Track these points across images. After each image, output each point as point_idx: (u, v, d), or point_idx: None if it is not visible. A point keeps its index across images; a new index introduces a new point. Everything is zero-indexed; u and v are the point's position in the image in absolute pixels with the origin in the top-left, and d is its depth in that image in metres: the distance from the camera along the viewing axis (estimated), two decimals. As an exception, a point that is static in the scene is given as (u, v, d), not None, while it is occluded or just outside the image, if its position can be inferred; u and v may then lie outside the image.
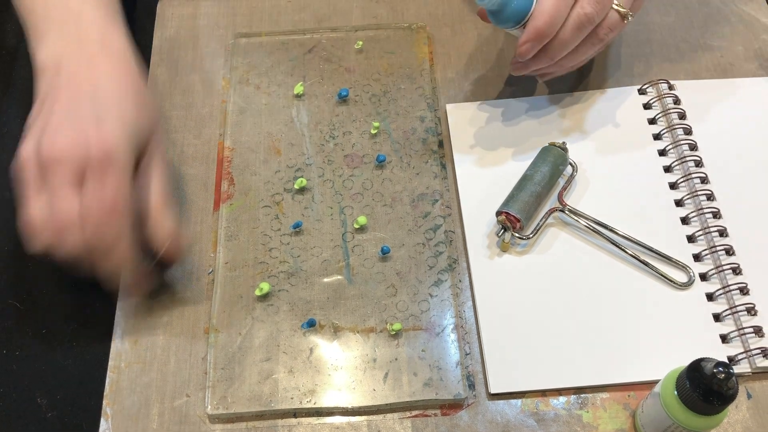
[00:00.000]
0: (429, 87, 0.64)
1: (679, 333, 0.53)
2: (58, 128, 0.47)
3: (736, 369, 0.51)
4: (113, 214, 0.46)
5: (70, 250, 0.47)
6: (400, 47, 0.67)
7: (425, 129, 0.62)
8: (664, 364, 0.48)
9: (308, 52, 0.67)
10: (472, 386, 0.52)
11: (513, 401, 0.51)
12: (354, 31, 0.68)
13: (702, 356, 0.44)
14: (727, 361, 0.51)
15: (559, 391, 0.51)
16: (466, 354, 0.53)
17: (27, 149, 0.48)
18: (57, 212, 0.46)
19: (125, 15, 0.68)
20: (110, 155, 0.47)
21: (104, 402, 0.51)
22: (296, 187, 0.59)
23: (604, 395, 0.51)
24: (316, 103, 0.64)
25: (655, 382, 0.47)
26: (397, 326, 0.53)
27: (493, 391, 0.51)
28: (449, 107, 0.63)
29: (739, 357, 0.51)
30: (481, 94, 0.64)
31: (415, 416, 0.51)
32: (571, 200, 0.58)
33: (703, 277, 0.55)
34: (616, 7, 0.54)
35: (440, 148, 0.61)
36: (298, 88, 0.64)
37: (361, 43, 0.67)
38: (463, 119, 0.62)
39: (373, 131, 0.62)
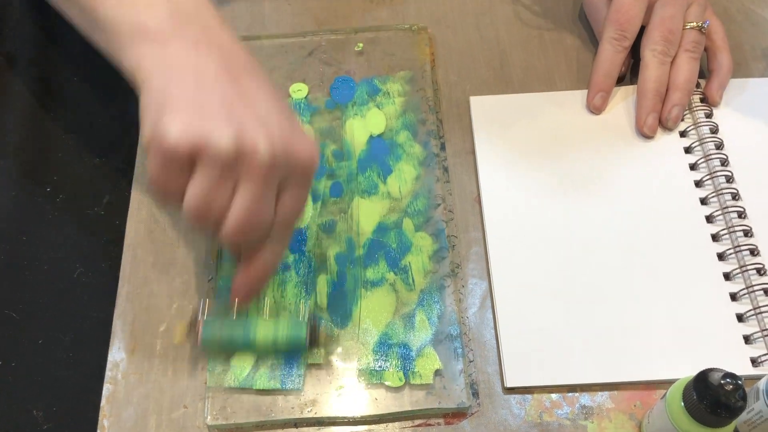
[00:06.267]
0: (431, 89, 0.63)
1: (702, 333, 0.52)
2: (264, 122, 0.42)
3: (759, 370, 0.50)
4: (293, 223, 0.46)
5: (248, 246, 0.46)
6: (400, 49, 0.66)
7: (427, 132, 0.61)
8: (686, 363, 0.49)
9: (309, 55, 0.66)
10: (475, 395, 0.51)
11: (517, 411, 0.50)
12: (354, 33, 0.67)
13: (723, 357, 0.45)
14: (749, 362, 0.51)
15: (575, 388, 0.51)
16: (470, 361, 0.52)
17: (221, 130, 0.41)
18: (256, 212, 0.43)
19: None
20: (314, 167, 0.45)
21: (100, 414, 0.50)
22: (296, 192, 0.58)
23: (610, 405, 0.50)
24: (316, 106, 0.63)
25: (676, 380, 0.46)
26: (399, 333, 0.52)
27: (508, 385, 0.51)
28: (473, 99, 0.63)
29: (763, 358, 0.51)
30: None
31: (418, 425, 0.50)
32: (597, 196, 0.58)
33: (727, 276, 0.54)
34: (689, 26, 0.60)
35: (442, 152, 0.60)
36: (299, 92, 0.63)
37: (361, 45, 0.66)
38: (487, 112, 0.62)
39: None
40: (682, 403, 0.43)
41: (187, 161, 0.41)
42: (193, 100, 0.41)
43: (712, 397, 0.41)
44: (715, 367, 0.42)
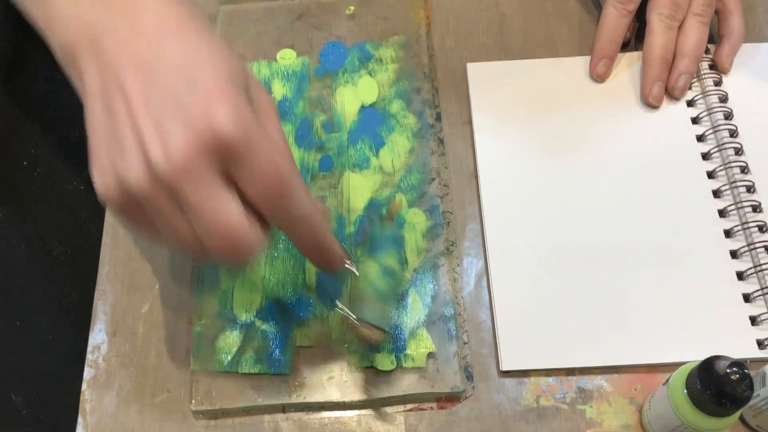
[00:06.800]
0: (426, 56, 0.60)
1: (706, 313, 0.50)
2: (158, 128, 0.34)
3: (766, 353, 0.48)
4: (283, 188, 0.36)
5: (255, 255, 0.37)
6: (394, 12, 0.62)
7: (421, 101, 0.58)
8: (690, 345, 0.48)
9: (297, 19, 0.63)
10: (470, 378, 0.49)
11: (513, 395, 0.48)
12: (346, -5, 0.63)
13: (728, 339, 0.44)
14: (756, 344, 0.49)
15: (573, 371, 0.49)
16: (464, 343, 0.50)
17: (134, 173, 0.35)
18: (218, 215, 0.35)
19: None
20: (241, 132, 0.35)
21: (81, 398, 0.49)
22: (284, 166, 0.56)
23: (609, 388, 0.48)
24: (304, 73, 0.60)
25: (681, 363, 0.44)
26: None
27: (504, 368, 0.49)
28: (470, 66, 0.60)
29: None
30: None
31: (410, 410, 0.48)
32: (599, 170, 0.55)
33: (734, 254, 0.52)
34: None
35: (437, 122, 0.58)
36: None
37: (352, 8, 0.63)
38: (486, 79, 0.59)
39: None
40: (685, 391, 0.42)
41: (134, 203, 0.36)
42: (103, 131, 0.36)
43: (717, 386, 0.40)
44: (720, 354, 0.40)
